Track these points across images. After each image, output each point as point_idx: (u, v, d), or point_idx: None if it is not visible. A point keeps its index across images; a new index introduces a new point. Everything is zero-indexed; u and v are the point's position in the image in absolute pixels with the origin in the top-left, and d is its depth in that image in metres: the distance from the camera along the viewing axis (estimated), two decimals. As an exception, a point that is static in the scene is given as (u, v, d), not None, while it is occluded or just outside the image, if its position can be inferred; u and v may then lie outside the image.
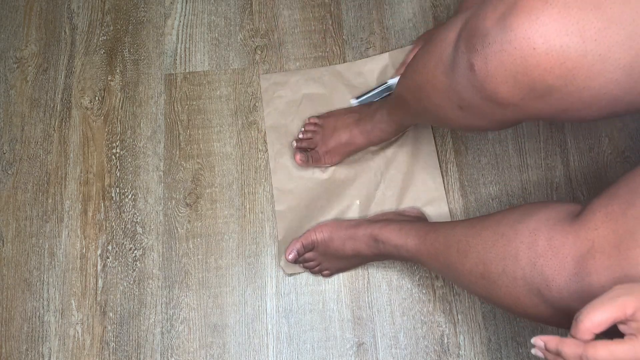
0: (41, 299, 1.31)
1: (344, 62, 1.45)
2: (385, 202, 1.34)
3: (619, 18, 0.64)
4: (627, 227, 0.70)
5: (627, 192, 0.73)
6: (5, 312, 1.30)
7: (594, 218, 0.73)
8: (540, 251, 0.77)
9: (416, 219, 1.27)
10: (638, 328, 0.59)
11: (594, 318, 0.60)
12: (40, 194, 1.38)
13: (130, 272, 1.32)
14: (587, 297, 0.70)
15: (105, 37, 1.50)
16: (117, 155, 1.40)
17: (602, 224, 0.72)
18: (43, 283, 1.32)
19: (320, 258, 1.27)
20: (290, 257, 1.25)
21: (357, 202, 1.33)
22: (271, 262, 1.32)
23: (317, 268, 1.28)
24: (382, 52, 1.43)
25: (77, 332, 1.28)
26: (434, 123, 1.16)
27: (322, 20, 1.49)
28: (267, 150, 1.39)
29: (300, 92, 1.43)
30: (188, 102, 1.44)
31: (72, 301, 1.30)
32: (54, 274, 1.32)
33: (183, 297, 1.30)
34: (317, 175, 1.36)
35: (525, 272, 0.78)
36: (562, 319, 0.77)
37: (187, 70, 1.46)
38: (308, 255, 1.27)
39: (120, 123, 1.43)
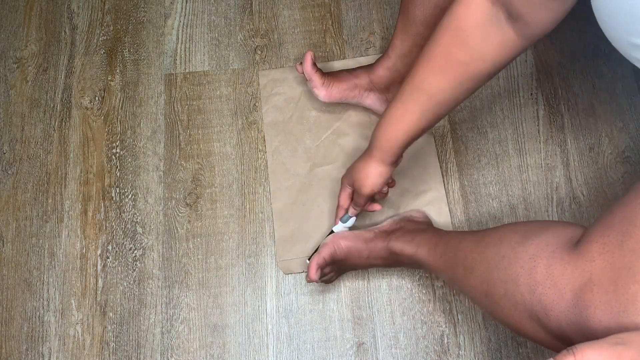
0: (41, 299, 1.30)
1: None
2: (385, 202, 1.33)
3: None
4: (624, 260, 0.69)
5: (622, 221, 0.72)
6: (5, 312, 1.29)
7: (591, 249, 0.73)
8: (539, 279, 0.76)
9: (426, 225, 1.28)
10: None
11: (588, 357, 0.60)
12: (40, 194, 1.37)
13: (130, 272, 1.31)
14: (585, 329, 0.71)
15: (105, 37, 1.51)
16: (117, 155, 1.40)
17: (599, 256, 0.71)
18: (43, 283, 1.31)
19: (335, 269, 1.24)
20: (317, 276, 1.18)
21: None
22: (271, 262, 1.31)
23: (330, 277, 1.25)
24: (382, 52, 1.42)
25: (77, 332, 1.28)
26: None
27: (322, 20, 1.49)
28: (266, 149, 1.39)
29: (299, 89, 1.43)
30: (188, 102, 1.44)
31: (72, 301, 1.30)
32: (54, 274, 1.32)
33: (183, 297, 1.29)
34: (314, 172, 1.36)
35: (525, 298, 0.78)
36: (560, 347, 0.76)
37: (187, 70, 1.47)
38: (326, 269, 1.22)
39: (120, 123, 1.43)
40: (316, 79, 1.31)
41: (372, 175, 1.10)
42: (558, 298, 0.73)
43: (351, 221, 1.21)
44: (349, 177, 1.16)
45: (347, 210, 1.20)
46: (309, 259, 1.20)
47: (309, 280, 1.18)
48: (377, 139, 1.05)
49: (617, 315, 0.67)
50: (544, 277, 0.75)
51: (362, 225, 1.31)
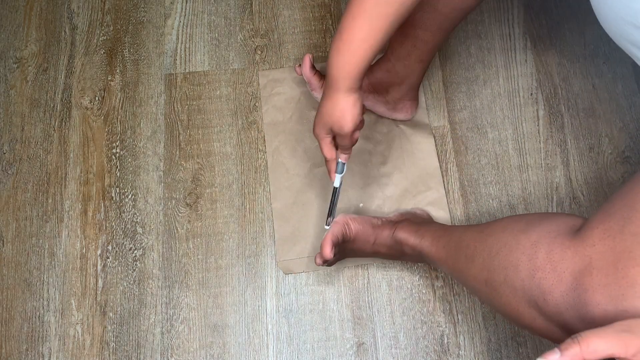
0: (41, 299, 1.30)
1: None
2: (385, 202, 1.33)
3: None
4: (625, 244, 0.69)
5: (623, 207, 0.73)
6: (5, 312, 1.29)
7: (592, 234, 0.73)
8: (539, 264, 0.77)
9: (429, 221, 1.28)
10: None
11: (593, 345, 0.59)
12: (40, 194, 1.37)
13: (130, 272, 1.31)
14: (583, 313, 0.71)
15: (105, 37, 1.50)
16: (117, 155, 1.39)
17: (599, 241, 0.72)
18: (43, 283, 1.31)
19: (339, 252, 1.21)
20: (331, 254, 1.13)
21: (360, 204, 1.33)
22: (271, 262, 1.31)
23: (336, 259, 1.23)
24: (382, 52, 1.42)
25: (77, 332, 1.27)
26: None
27: (322, 20, 1.49)
28: (266, 149, 1.38)
29: (299, 89, 1.43)
30: (188, 102, 1.43)
31: (72, 301, 1.29)
32: (54, 274, 1.31)
33: (183, 297, 1.29)
34: (314, 173, 1.36)
35: (525, 284, 0.78)
36: (557, 333, 0.77)
37: (187, 70, 1.46)
38: (334, 250, 1.19)
39: (120, 123, 1.42)
40: (315, 81, 1.31)
41: (348, 108, 0.99)
42: (557, 282, 0.74)
43: (344, 168, 1.13)
44: (323, 125, 1.05)
45: (337, 160, 1.11)
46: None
47: (321, 260, 1.15)
48: (341, 68, 0.95)
49: (616, 299, 0.68)
50: (544, 261, 0.76)
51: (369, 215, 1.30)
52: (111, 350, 1.26)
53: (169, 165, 1.38)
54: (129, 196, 1.36)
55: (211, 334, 1.27)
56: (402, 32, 1.19)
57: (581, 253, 0.73)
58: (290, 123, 1.40)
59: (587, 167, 1.36)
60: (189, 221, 1.34)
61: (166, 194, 1.36)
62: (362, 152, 1.37)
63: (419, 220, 1.24)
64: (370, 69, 1.31)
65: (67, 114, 1.43)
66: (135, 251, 1.33)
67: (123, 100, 1.44)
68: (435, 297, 1.28)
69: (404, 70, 1.26)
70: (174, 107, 1.43)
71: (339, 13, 1.49)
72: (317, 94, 1.33)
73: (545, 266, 0.76)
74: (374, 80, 1.31)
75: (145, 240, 1.33)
